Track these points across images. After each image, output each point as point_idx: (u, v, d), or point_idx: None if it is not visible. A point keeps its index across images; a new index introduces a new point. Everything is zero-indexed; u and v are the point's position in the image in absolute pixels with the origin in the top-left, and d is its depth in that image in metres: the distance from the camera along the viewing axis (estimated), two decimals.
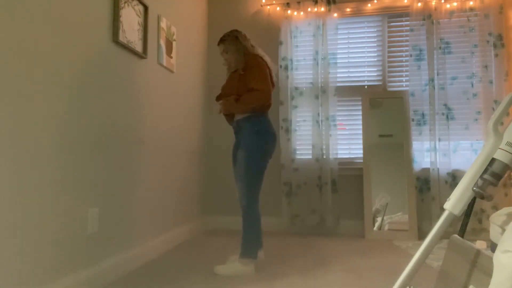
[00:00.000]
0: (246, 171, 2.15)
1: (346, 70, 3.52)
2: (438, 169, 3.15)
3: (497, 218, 1.32)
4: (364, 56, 3.51)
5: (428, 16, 3.25)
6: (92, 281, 1.85)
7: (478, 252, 1.09)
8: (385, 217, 3.22)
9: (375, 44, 3.49)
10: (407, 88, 3.35)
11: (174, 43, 2.89)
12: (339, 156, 3.42)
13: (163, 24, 2.71)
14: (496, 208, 3.00)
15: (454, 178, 3.11)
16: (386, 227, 3.20)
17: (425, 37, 3.25)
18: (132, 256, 2.24)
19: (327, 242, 3.00)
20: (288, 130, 3.40)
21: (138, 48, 2.35)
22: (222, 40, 2.35)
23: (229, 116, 2.38)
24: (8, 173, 1.41)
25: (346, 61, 3.52)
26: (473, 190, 1.05)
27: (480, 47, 3.16)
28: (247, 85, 2.17)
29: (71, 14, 1.76)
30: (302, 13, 3.48)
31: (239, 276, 2.09)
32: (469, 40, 3.19)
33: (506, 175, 1.03)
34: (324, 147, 3.35)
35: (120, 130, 2.17)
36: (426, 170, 3.22)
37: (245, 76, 2.19)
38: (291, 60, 3.45)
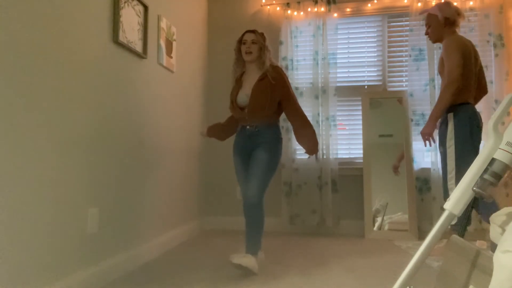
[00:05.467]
0: (266, 171, 2.26)
1: (346, 70, 3.52)
2: (438, 169, 3.15)
3: (497, 218, 1.32)
4: (364, 56, 3.51)
5: None
6: (92, 281, 1.85)
7: (478, 252, 1.09)
8: (385, 217, 3.22)
9: (375, 44, 3.49)
10: (407, 88, 3.34)
11: (174, 43, 2.89)
12: (339, 156, 3.41)
13: (163, 24, 2.71)
14: None
15: None
16: (386, 227, 3.20)
17: (425, 37, 3.24)
18: (132, 256, 2.24)
19: (327, 242, 3.00)
20: (288, 130, 3.40)
21: (138, 48, 2.34)
22: (255, 31, 2.38)
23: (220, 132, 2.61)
24: (8, 173, 1.41)
25: (346, 61, 3.52)
26: (473, 190, 1.05)
27: (480, 47, 3.15)
28: (293, 104, 2.35)
29: (71, 14, 1.76)
30: (302, 13, 3.48)
31: (252, 270, 2.10)
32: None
33: (506, 175, 1.03)
34: (324, 147, 3.35)
35: (120, 130, 2.17)
36: (426, 170, 3.22)
37: (276, 87, 2.29)
38: (291, 60, 3.44)
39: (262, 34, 2.38)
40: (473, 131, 2.44)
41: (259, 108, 2.29)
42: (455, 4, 3.19)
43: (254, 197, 2.19)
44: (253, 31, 2.37)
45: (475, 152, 2.43)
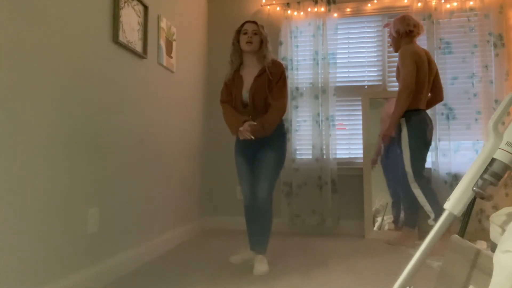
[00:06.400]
0: (275, 171, 2.26)
1: (346, 70, 3.51)
2: (439, 169, 3.15)
3: (497, 218, 1.32)
4: (364, 56, 3.51)
5: (428, 16, 3.25)
6: (92, 281, 1.85)
7: (478, 252, 1.09)
8: (385, 217, 3.22)
9: (375, 44, 3.49)
10: None
11: (174, 43, 2.89)
12: (339, 156, 3.41)
13: (163, 24, 2.71)
14: (496, 208, 3.00)
15: (455, 178, 3.11)
16: (386, 227, 3.20)
17: (425, 37, 3.24)
18: (132, 256, 2.24)
19: (327, 242, 3.00)
20: (288, 130, 3.40)
21: (138, 48, 2.34)
22: (256, 22, 2.33)
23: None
24: (8, 173, 1.41)
25: (346, 61, 3.52)
26: (473, 190, 1.05)
27: (480, 47, 3.16)
28: (274, 93, 2.23)
29: (71, 14, 1.76)
30: (302, 13, 3.48)
31: (267, 271, 2.14)
32: (469, 40, 3.19)
33: (506, 175, 1.03)
34: (324, 147, 3.35)
35: (120, 130, 2.17)
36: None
37: (272, 82, 2.24)
38: (291, 60, 3.44)
39: (263, 27, 2.33)
40: (424, 134, 2.72)
41: (259, 103, 2.24)
42: (455, 4, 3.23)
43: (264, 199, 2.18)
44: (254, 22, 2.32)
45: (426, 153, 2.76)
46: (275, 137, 2.28)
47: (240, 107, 2.30)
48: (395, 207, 3.19)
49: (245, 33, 2.27)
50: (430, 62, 2.81)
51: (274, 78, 2.25)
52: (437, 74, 2.88)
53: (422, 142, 2.72)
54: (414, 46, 2.80)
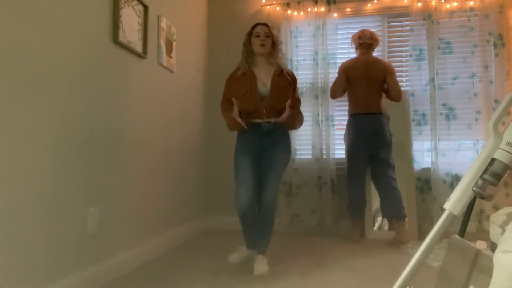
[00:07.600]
0: (283, 172, 2.31)
1: None
2: (439, 169, 3.14)
3: (497, 218, 1.32)
4: None
5: (428, 16, 3.24)
6: (92, 281, 1.85)
7: (478, 252, 1.09)
8: None
9: None
10: (407, 88, 3.34)
11: (174, 43, 2.89)
12: (339, 156, 3.41)
13: (163, 24, 2.71)
14: (496, 208, 3.00)
15: (455, 178, 3.10)
16: (386, 227, 3.20)
17: (425, 37, 3.24)
18: (132, 256, 2.24)
19: (327, 242, 2.99)
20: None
21: (138, 48, 2.34)
22: (267, 25, 2.39)
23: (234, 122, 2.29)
24: (8, 173, 1.41)
25: None
26: (473, 190, 1.05)
27: (480, 47, 3.15)
28: (295, 102, 2.39)
29: (71, 14, 1.76)
30: (302, 13, 3.48)
31: (267, 271, 2.12)
32: (469, 40, 3.19)
33: (506, 175, 1.03)
34: (324, 147, 3.34)
35: (120, 130, 2.17)
36: (427, 170, 3.21)
37: (292, 84, 2.37)
38: (291, 60, 3.44)
39: (273, 29, 2.38)
40: (352, 137, 3.08)
41: (280, 100, 2.27)
42: (455, 4, 3.22)
43: (272, 201, 2.18)
44: (265, 24, 2.36)
45: (357, 154, 3.09)
46: (284, 137, 2.32)
47: (256, 100, 2.25)
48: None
49: (258, 36, 2.32)
50: (373, 70, 3.03)
51: (293, 82, 2.38)
52: (389, 78, 3.04)
53: (351, 144, 3.09)
54: (352, 59, 3.16)
